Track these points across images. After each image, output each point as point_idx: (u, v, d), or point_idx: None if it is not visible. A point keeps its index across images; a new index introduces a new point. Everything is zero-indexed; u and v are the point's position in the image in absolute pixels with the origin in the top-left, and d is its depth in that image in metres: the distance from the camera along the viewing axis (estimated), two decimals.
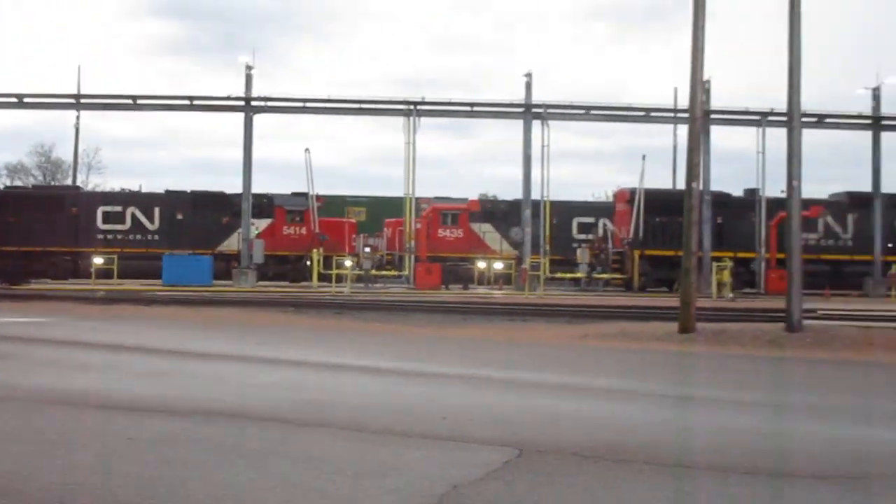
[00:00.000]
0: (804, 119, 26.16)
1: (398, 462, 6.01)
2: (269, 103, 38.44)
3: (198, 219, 38.41)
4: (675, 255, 26.21)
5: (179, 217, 38.56)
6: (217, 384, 10.05)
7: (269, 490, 5.17)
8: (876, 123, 38.46)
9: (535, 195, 38.13)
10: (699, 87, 17.95)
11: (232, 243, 38.02)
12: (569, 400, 9.39)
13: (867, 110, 38.68)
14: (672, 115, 39.85)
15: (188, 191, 40.58)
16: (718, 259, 34.82)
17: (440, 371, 11.89)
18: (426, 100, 38.52)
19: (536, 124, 38.19)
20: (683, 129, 32.37)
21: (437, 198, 43.12)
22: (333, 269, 35.00)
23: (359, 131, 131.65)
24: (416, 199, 39.29)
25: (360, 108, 39.89)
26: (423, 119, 39.17)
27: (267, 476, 5.53)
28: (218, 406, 8.19)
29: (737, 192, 40.14)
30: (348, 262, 35.37)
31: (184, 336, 16.97)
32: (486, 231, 39.83)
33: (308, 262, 36.83)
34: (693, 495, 5.44)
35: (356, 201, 48.07)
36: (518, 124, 38.72)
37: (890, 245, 37.71)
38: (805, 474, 5.99)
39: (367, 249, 37.48)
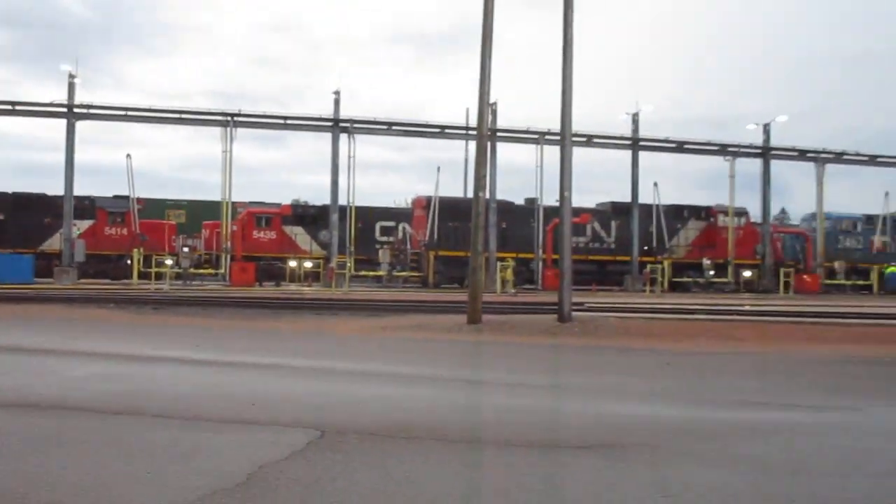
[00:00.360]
0: (575, 139, 27.48)
1: (208, 445, 5.92)
2: (92, 111, 37.11)
3: (19, 219, 36.56)
4: (465, 255, 26.75)
5: (1, 217, 36.65)
6: (37, 377, 9.50)
7: (82, 475, 4.99)
8: (634, 144, 40.97)
9: (343, 201, 38.43)
10: (485, 108, 18.57)
11: (54, 243, 36.67)
12: (369, 385, 9.42)
13: (628, 132, 41.15)
14: (464, 132, 40.83)
15: (10, 192, 38.49)
16: (503, 259, 36.12)
17: (252, 361, 11.68)
18: (243, 112, 38.34)
19: (344, 137, 38.59)
20: (474, 145, 33.29)
21: (252, 202, 43.12)
22: (153, 267, 34.05)
23: (180, 139, 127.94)
24: (233, 203, 39.14)
25: (181, 118, 38.95)
26: (239, 130, 38.92)
27: (80, 462, 5.33)
28: (36, 398, 7.78)
29: (519, 200, 41.64)
30: (168, 261, 34.61)
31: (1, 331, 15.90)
32: (298, 233, 39.91)
33: (129, 261, 35.66)
34: (477, 466, 5.58)
35: (176, 204, 47.10)
36: (327, 137, 38.89)
37: (646, 248, 40.20)
38: (575, 445, 6.20)
39: (186, 249, 37.04)
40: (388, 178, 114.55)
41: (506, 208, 39.37)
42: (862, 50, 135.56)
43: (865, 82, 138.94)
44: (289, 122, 39.25)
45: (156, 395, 8.31)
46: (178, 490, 4.64)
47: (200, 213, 44.10)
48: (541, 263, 38.18)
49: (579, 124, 20.43)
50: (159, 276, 33.79)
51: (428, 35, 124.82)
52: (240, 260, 37.45)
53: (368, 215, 41.20)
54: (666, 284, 39.23)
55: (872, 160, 46.01)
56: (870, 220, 46.47)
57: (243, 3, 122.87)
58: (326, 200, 39.22)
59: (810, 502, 4.78)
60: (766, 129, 42.80)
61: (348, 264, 36.40)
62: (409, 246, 38.90)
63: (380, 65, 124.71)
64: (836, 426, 7.46)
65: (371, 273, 39.28)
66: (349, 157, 38.56)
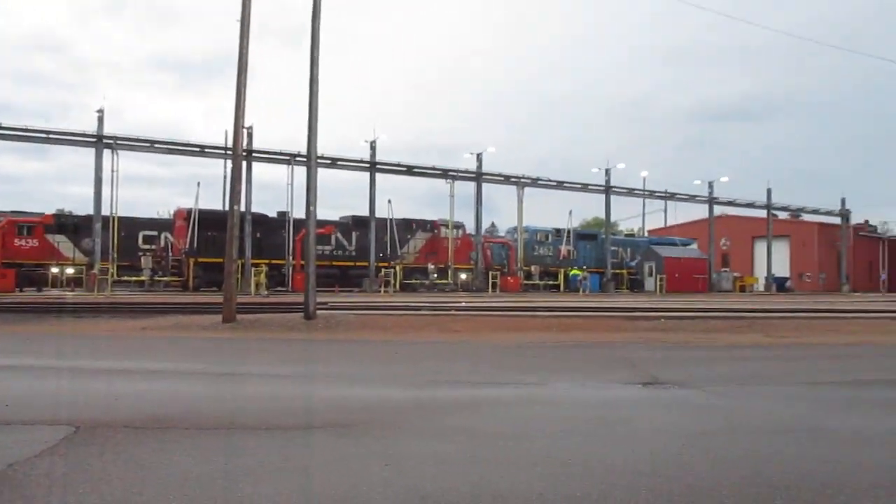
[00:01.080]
0: (321, 161, 27.38)
1: None
2: None
3: None
4: (223, 261, 25.94)
5: None
6: None
7: None
8: (372, 167, 41.55)
9: (107, 212, 35.69)
10: (240, 131, 18.02)
11: None
12: (127, 382, 8.78)
13: (367, 157, 41.66)
14: (222, 151, 39.32)
15: None
16: (257, 265, 35.33)
17: (8, 363, 10.44)
18: (3, 125, 34.21)
19: (108, 153, 35.84)
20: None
21: (13, 212, 39.38)
22: None
23: None
24: None
25: None
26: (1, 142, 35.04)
27: None
28: None
29: (273, 213, 40.83)
30: None
31: None
32: (60, 241, 36.77)
33: None
34: (227, 451, 5.36)
35: None
36: (92, 151, 35.91)
37: (381, 255, 40.88)
38: (315, 425, 6.19)
39: None
40: (154, 190, 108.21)
41: (260, 220, 38.48)
42: (559, 93, 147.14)
43: (555, 121, 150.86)
44: (52, 136, 35.68)
45: None
46: None
47: None
48: (291, 269, 37.65)
49: (326, 148, 20.62)
50: None
51: (191, 63, 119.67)
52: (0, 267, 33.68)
53: (132, 225, 38.61)
54: (398, 286, 40.18)
55: (560, 185, 49.84)
56: (558, 232, 50.49)
57: (6, 19, 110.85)
58: (92, 211, 36.26)
59: (508, 462, 5.02)
60: (479, 158, 45.11)
61: (111, 270, 33.84)
62: (170, 253, 36.85)
63: (145, 87, 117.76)
64: (527, 398, 7.97)
65: (134, 278, 36.79)
66: (112, 171, 35.88)
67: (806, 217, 67.27)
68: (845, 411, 7.38)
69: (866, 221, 73.69)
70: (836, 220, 64.70)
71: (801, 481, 4.51)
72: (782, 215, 65.01)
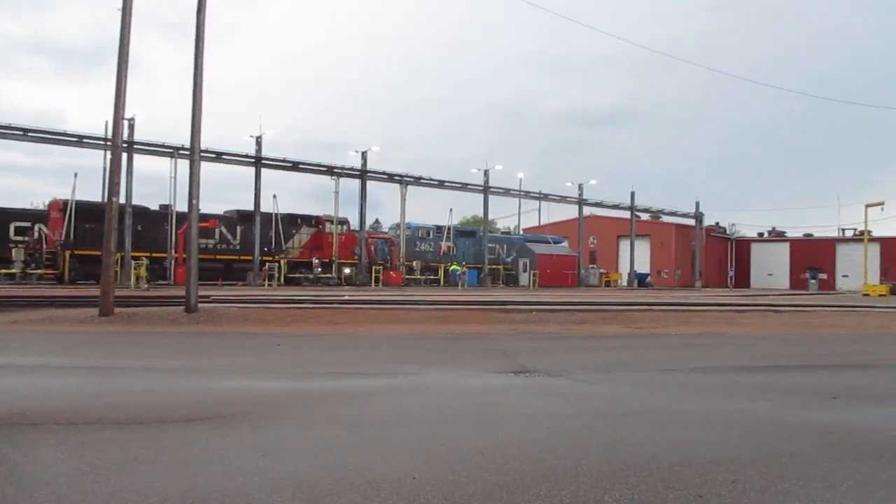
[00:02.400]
0: (205, 155, 26.46)
1: None
2: None
3: None
4: (101, 254, 24.65)
5: None
6: None
7: None
8: (258, 162, 40.42)
9: None
10: (120, 123, 17.11)
11: None
12: None
13: (252, 152, 40.53)
14: (102, 142, 37.17)
15: None
16: (137, 258, 33.74)
17: None
18: None
19: None
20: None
21: None
22: None
23: None
24: None
25: None
26: None
27: None
28: None
29: (154, 206, 39.09)
30: None
31: None
32: None
33: None
34: (95, 445, 5.00)
35: None
36: None
37: (266, 249, 39.94)
38: (189, 418, 5.96)
39: None
40: (27, 180, 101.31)
41: (141, 212, 36.70)
42: (438, 95, 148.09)
43: (435, 122, 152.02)
44: None
45: None
46: None
47: None
48: (173, 262, 36.17)
49: (211, 142, 19.84)
50: None
51: (69, 50, 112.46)
52: None
53: (2, 215, 35.90)
54: (282, 280, 39.37)
55: (441, 184, 49.94)
56: (439, 229, 50.93)
57: None
58: None
59: (385, 448, 5.02)
60: (364, 156, 44.73)
61: None
62: (44, 245, 34.59)
63: (19, 73, 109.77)
64: (405, 387, 8.00)
65: (4, 271, 34.25)
66: None
67: (665, 218, 70.80)
68: (694, 395, 7.82)
69: (717, 223, 78.47)
70: (691, 222, 68.43)
71: (653, 460, 4.75)
72: (644, 216, 68.14)
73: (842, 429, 5.92)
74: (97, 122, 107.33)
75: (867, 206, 50.23)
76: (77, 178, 68.66)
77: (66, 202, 35.03)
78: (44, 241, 34.66)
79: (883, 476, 4.48)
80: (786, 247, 76.69)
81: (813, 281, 69.17)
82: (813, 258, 73.21)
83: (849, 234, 71.62)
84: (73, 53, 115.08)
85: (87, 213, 33.81)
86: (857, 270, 62.51)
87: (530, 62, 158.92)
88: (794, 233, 78.44)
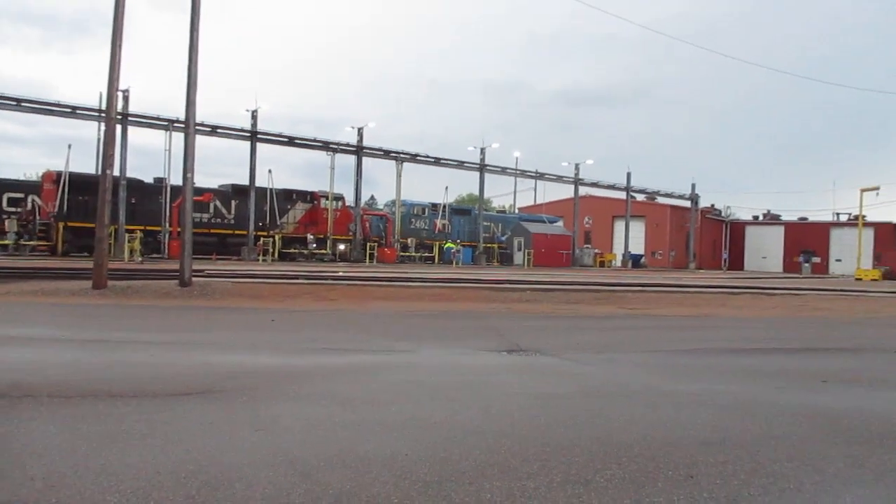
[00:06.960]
0: (200, 128, 26.29)
1: None
2: None
3: None
4: (95, 226, 24.56)
5: None
6: None
7: None
8: (253, 136, 40.18)
9: None
10: (115, 94, 16.97)
11: None
12: None
13: (248, 126, 40.21)
14: (96, 114, 36.88)
15: None
16: (132, 231, 33.61)
17: None
18: None
19: None
20: None
21: None
22: None
23: None
24: None
25: None
26: None
27: None
28: None
29: (149, 179, 38.85)
30: None
31: None
32: None
33: None
34: (86, 418, 5.00)
35: None
36: None
37: (261, 224, 39.82)
38: (182, 392, 5.94)
39: None
40: (19, 150, 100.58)
41: (136, 185, 36.45)
42: (437, 73, 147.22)
43: (434, 100, 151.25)
44: None
45: None
46: None
47: None
48: (167, 236, 36.05)
49: (206, 115, 19.66)
50: None
51: (58, 17, 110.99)
52: None
53: None
54: (277, 255, 39.30)
55: (437, 161, 49.94)
56: (434, 207, 50.78)
57: None
58: None
59: (377, 425, 5.02)
60: (360, 132, 44.49)
61: None
62: (38, 217, 34.39)
63: (5, 40, 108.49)
64: (398, 364, 8.02)
65: None
66: None
67: (660, 199, 70.74)
68: (686, 376, 7.85)
69: (712, 205, 78.54)
70: (687, 204, 68.42)
71: (644, 440, 4.77)
72: (640, 197, 68.12)
73: (832, 412, 5.95)
74: (88, 91, 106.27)
75: (862, 190, 50.23)
76: (71, 149, 68.05)
77: (59, 174, 34.78)
78: (37, 213, 34.46)
79: (872, 459, 4.52)
80: (780, 230, 76.81)
81: (806, 264, 69.36)
82: (807, 242, 73.40)
83: (843, 218, 71.77)
84: (62, 21, 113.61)
85: (81, 185, 33.57)
86: (850, 254, 62.71)
87: (527, 40, 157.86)
88: (789, 216, 78.63)
